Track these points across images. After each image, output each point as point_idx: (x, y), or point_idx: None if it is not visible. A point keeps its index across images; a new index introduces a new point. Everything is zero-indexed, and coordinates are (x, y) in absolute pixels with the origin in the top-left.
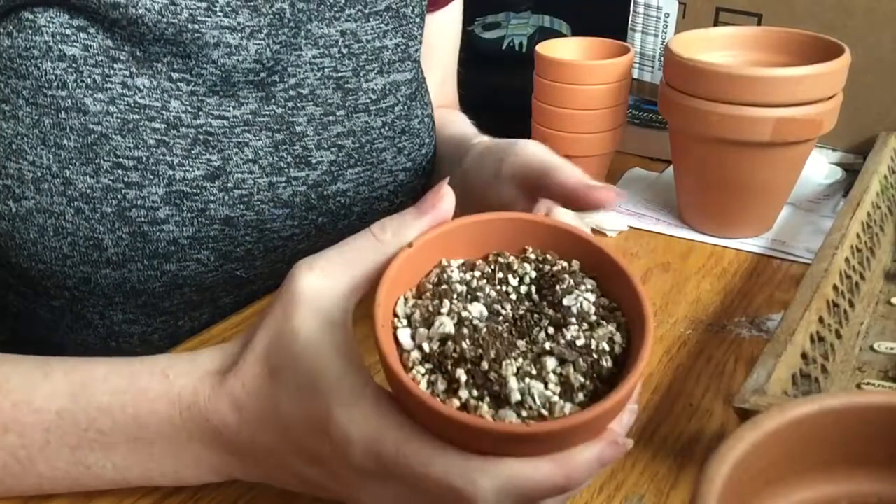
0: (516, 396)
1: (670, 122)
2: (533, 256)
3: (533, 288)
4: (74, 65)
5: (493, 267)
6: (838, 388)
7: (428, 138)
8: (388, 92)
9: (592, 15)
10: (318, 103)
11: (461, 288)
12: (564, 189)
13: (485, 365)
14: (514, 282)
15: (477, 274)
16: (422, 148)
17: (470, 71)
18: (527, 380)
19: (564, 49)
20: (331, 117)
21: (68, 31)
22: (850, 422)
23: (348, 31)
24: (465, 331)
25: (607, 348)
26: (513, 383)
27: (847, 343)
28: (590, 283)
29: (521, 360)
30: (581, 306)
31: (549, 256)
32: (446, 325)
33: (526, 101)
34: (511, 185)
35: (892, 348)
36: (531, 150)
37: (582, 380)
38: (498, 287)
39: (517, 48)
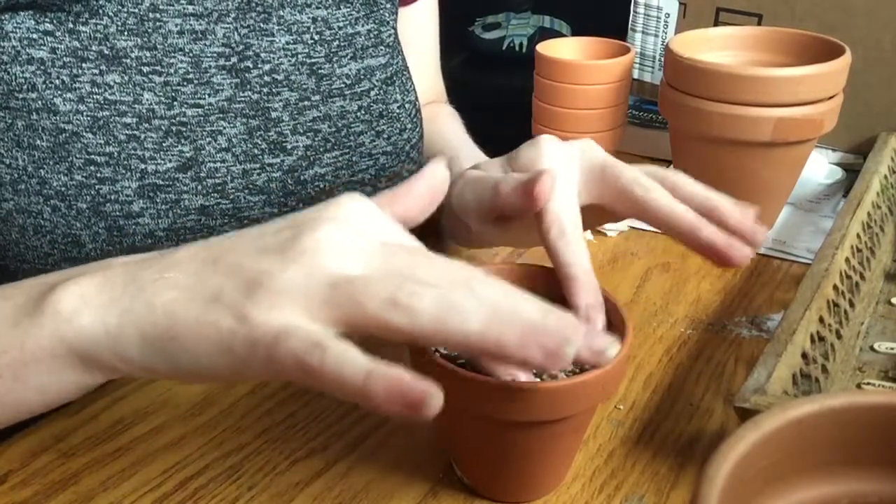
0: None
1: (670, 122)
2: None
3: None
4: (43, 67)
5: None
6: (838, 388)
7: (410, 123)
8: (362, 77)
9: (592, 15)
10: (294, 88)
11: None
12: (508, 207)
13: None
14: None
15: None
16: (403, 132)
17: (470, 71)
18: None
19: (565, 49)
20: (306, 102)
21: (35, 36)
22: (850, 422)
23: (320, 18)
24: None
25: None
26: None
27: (847, 343)
28: None
29: None
30: None
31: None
32: None
33: (526, 101)
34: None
35: (892, 348)
36: (471, 188)
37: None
38: None
39: (517, 48)
